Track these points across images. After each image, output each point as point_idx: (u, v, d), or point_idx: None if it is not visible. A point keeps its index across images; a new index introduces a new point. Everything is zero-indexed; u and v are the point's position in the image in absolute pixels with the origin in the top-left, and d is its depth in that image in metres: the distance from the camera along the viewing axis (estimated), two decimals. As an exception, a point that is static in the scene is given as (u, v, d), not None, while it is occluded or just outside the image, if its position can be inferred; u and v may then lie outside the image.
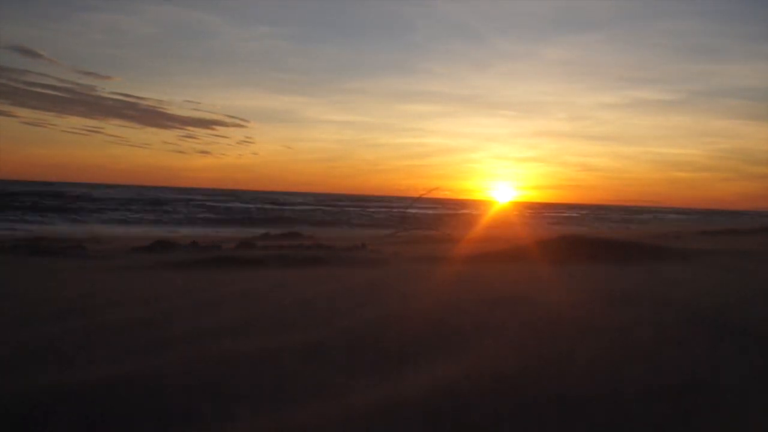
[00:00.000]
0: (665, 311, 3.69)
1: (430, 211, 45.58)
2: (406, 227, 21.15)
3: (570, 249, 8.07)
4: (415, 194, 22.35)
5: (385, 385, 2.23)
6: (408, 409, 1.98)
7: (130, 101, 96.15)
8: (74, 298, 4.63)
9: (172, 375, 2.34)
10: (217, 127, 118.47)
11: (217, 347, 2.79)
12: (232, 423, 1.89)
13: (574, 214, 56.83)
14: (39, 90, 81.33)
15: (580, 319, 3.45)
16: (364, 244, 13.13)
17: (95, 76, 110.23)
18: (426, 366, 2.50)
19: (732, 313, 3.61)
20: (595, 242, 8.57)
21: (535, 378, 2.31)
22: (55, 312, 3.90)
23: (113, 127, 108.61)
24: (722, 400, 2.08)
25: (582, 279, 5.63)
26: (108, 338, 3.06)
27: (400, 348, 2.82)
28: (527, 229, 25.25)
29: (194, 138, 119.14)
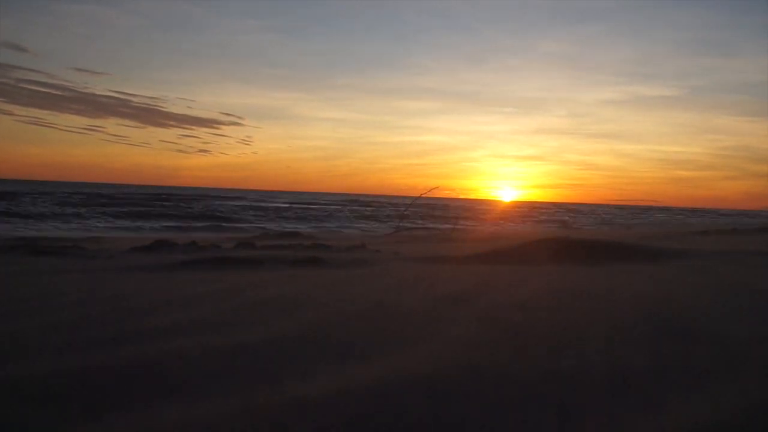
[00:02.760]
0: (601, 309, 3.89)
1: (431, 211, 45.59)
2: (406, 226, 21.18)
3: (549, 250, 8.25)
4: (416, 194, 22.41)
5: (298, 386, 2.27)
6: (308, 408, 2.02)
7: (124, 98, 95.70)
8: (40, 297, 4.75)
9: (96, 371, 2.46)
10: (215, 126, 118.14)
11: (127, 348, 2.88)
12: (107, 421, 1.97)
13: (573, 214, 56.80)
14: (30, 87, 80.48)
15: (509, 318, 3.64)
16: (363, 243, 13.14)
17: (90, 72, 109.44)
18: (346, 366, 2.55)
19: (670, 312, 3.77)
20: (576, 244, 8.68)
21: (454, 374, 2.41)
22: (26, 309, 4.09)
23: (109, 125, 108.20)
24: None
25: (543, 279, 5.78)
26: (62, 334, 3.21)
27: (323, 348, 2.89)
28: (521, 230, 25.30)
29: (192, 137, 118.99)
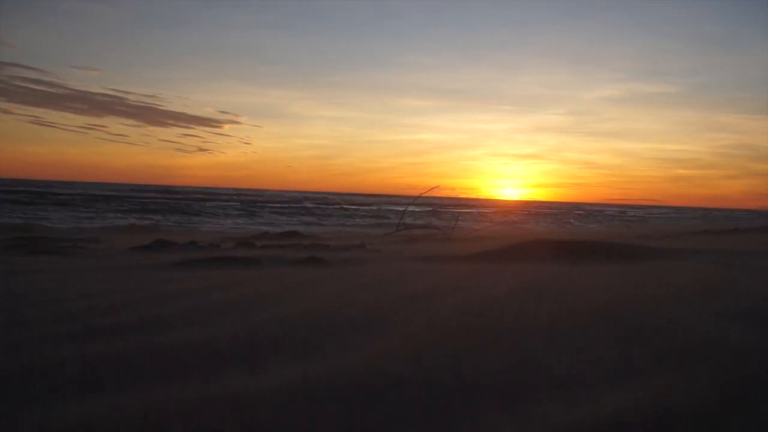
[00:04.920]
0: (555, 306, 4.05)
1: (431, 210, 45.71)
2: (407, 226, 21.19)
3: (540, 250, 8.38)
4: (415, 193, 22.46)
5: (216, 385, 2.35)
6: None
7: (120, 96, 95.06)
8: (35, 294, 4.89)
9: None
10: (213, 125, 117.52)
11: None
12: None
13: (570, 214, 56.79)
14: (23, 84, 79.50)
15: (460, 317, 3.75)
16: (363, 243, 13.17)
17: (83, 69, 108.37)
18: (278, 366, 2.61)
19: (621, 310, 3.87)
20: (564, 244, 8.81)
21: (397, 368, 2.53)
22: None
23: (106, 123, 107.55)
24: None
25: (518, 277, 5.92)
26: (46, 327, 3.41)
27: (254, 348, 2.96)
28: (520, 230, 25.37)
29: (191, 136, 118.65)
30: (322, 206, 51.67)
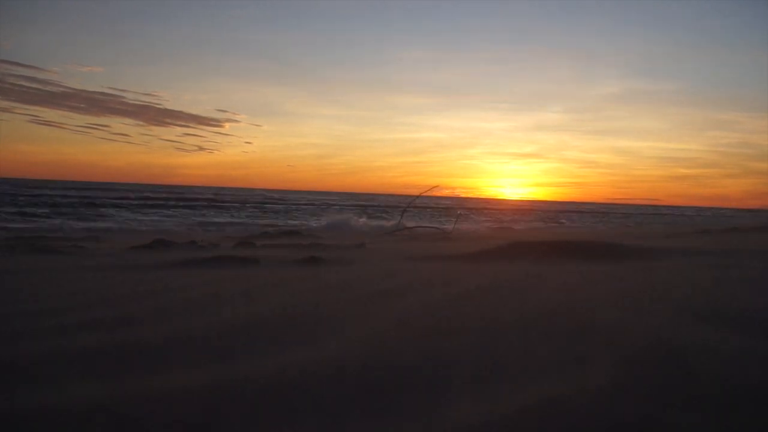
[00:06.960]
0: (515, 304, 4.15)
1: (432, 210, 45.74)
2: (408, 225, 21.22)
3: (532, 251, 8.51)
4: (415, 192, 22.52)
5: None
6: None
7: (117, 95, 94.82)
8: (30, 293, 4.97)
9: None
10: (212, 124, 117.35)
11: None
12: None
13: (569, 213, 56.79)
14: (18, 82, 78.93)
15: (421, 314, 3.85)
16: (363, 242, 13.20)
17: (77, 66, 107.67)
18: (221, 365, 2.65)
19: (574, 309, 3.91)
20: (556, 244, 8.94)
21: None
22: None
23: (104, 122, 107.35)
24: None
25: (496, 276, 6.03)
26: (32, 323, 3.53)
27: (216, 344, 3.03)
28: (518, 231, 25.43)
29: (190, 135, 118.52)
30: (322, 206, 51.69)
